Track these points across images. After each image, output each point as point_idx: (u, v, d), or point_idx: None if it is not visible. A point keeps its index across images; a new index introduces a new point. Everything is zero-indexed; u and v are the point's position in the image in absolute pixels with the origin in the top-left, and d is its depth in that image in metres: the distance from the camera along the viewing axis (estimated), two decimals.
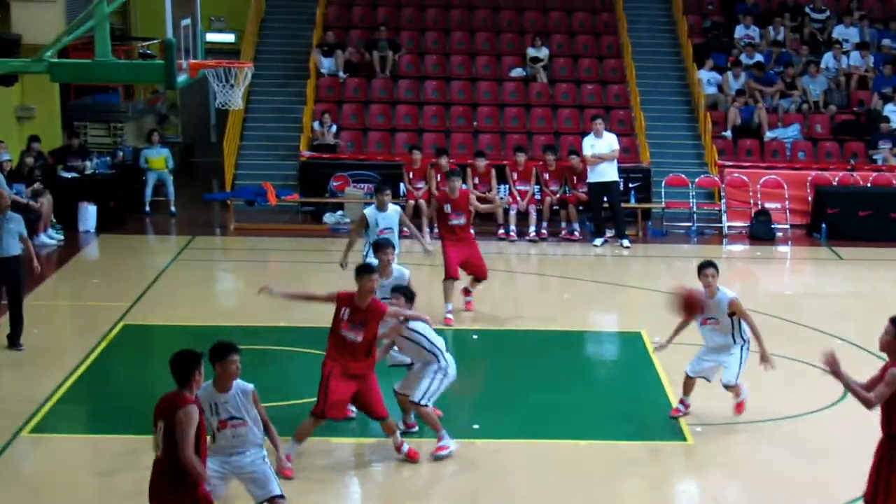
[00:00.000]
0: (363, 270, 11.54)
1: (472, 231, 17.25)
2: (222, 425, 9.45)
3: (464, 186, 17.97)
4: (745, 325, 12.62)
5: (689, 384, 13.00)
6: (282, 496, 9.59)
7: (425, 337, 11.79)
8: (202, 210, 24.50)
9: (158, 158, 24.22)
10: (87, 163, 23.34)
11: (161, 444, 8.61)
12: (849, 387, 9.42)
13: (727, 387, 12.83)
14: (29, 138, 22.83)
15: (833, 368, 9.16)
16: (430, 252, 16.69)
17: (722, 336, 12.72)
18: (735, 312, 12.55)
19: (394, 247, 13.35)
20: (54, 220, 21.35)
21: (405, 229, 16.36)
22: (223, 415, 9.45)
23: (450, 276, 16.50)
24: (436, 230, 17.50)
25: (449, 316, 16.31)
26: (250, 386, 9.49)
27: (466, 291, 17.11)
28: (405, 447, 11.75)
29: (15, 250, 15.08)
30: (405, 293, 11.96)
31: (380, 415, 11.58)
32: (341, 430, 12.30)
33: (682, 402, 13.06)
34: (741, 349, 12.76)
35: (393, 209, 15.41)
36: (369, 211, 15.39)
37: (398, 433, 11.80)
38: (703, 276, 12.55)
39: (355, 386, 11.45)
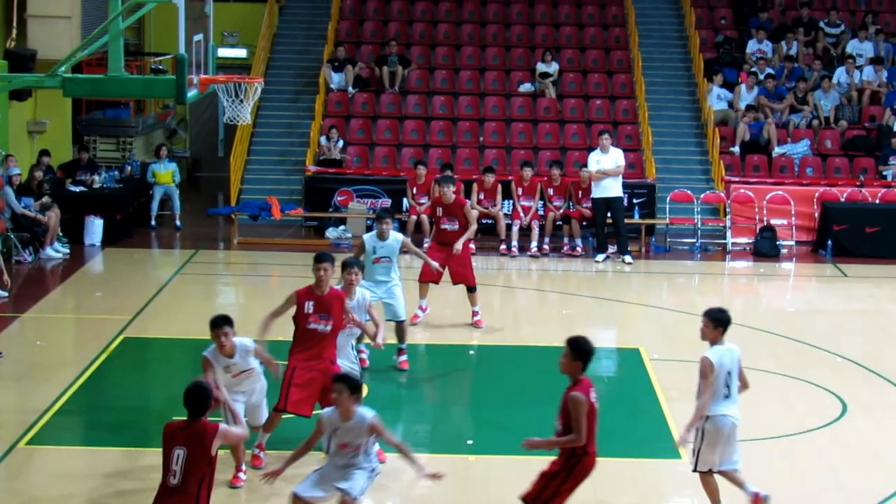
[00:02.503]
0: (316, 260, 11.78)
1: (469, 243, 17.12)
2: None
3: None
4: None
5: None
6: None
7: None
8: (207, 224, 24.63)
9: (166, 173, 24.36)
10: (96, 177, 23.48)
11: (179, 473, 8.70)
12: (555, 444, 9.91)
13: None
14: (39, 152, 22.99)
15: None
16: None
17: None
18: None
19: (360, 266, 13.02)
20: (61, 234, 21.47)
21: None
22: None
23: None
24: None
25: (417, 312, 16.69)
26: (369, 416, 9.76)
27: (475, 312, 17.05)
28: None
29: None
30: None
31: None
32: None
33: None
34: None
35: (394, 238, 14.94)
36: (368, 237, 15.03)
37: None
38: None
39: (320, 383, 11.59)
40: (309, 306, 11.64)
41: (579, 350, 9.76)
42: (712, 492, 10.64)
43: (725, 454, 10.46)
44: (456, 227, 16.72)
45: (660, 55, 28.17)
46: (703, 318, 10.48)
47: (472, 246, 17.45)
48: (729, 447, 10.44)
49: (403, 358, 14.99)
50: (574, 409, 9.67)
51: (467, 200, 17.66)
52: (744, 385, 10.57)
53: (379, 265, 14.79)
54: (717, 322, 10.39)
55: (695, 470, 10.55)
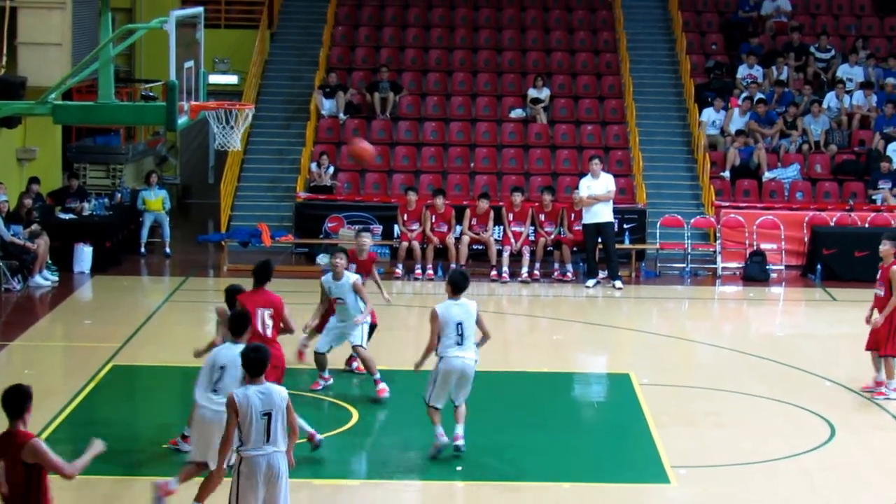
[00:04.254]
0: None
1: None
2: None
3: (373, 250, 16.68)
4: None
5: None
6: None
7: None
8: (197, 251, 24.56)
9: (156, 200, 24.31)
10: (85, 204, 23.42)
11: (4, 482, 8.55)
12: None
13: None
14: (29, 180, 22.98)
15: None
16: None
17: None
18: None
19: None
20: (49, 262, 21.42)
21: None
22: None
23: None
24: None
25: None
26: None
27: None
28: None
29: None
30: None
31: None
32: (323, 471, 12.30)
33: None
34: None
35: (346, 279, 14.62)
36: (325, 278, 14.77)
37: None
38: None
39: None
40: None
41: None
42: (436, 420, 12.68)
43: (459, 391, 12.66)
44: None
45: (651, 80, 28.22)
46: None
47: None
48: (461, 387, 12.63)
49: (381, 387, 14.76)
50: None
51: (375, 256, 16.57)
52: (484, 336, 12.75)
53: (337, 306, 14.65)
54: (449, 284, 12.67)
55: (427, 402, 12.65)
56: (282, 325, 12.73)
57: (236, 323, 11.09)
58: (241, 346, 10.46)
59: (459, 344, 12.46)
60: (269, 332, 12.46)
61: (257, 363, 9.50)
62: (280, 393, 9.51)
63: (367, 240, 16.06)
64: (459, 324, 12.45)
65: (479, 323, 12.59)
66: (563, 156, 26.08)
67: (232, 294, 12.81)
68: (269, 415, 9.38)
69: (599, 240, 21.94)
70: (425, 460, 12.91)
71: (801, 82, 27.39)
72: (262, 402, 9.39)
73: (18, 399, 8.67)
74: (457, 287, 12.60)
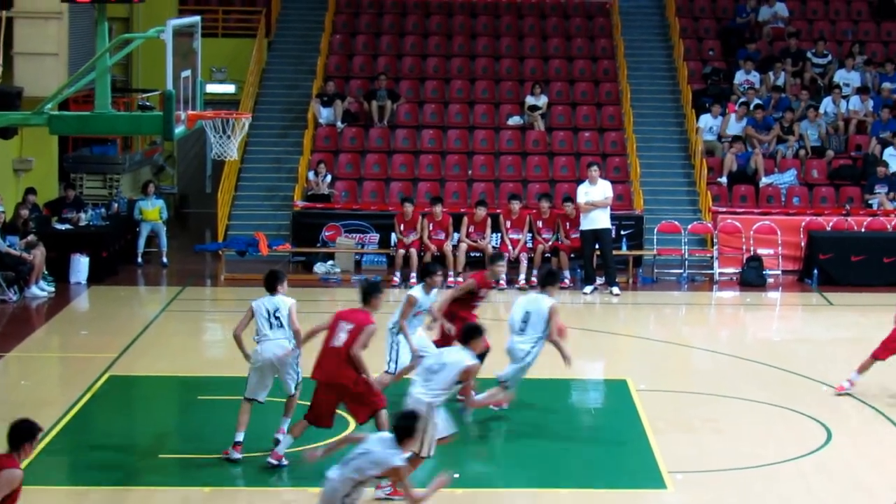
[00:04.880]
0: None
1: None
2: None
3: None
4: None
5: None
6: None
7: None
8: (194, 261, 24.55)
9: (153, 210, 24.31)
10: (82, 214, 23.42)
11: None
12: None
13: None
14: (25, 190, 22.97)
15: None
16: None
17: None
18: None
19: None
20: (46, 272, 21.40)
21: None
22: None
23: None
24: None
25: None
26: None
27: None
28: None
29: None
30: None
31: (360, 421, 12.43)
32: (320, 478, 12.27)
33: None
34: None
35: (434, 294, 14.26)
36: (419, 293, 14.15)
37: None
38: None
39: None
40: None
41: None
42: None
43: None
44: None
45: (648, 87, 28.25)
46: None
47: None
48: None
49: None
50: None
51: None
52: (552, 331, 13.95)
53: (418, 318, 14.30)
54: (541, 279, 14.27)
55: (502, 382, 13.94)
56: (358, 342, 12.13)
57: (465, 335, 12.06)
58: (469, 352, 11.86)
59: (522, 331, 13.93)
60: (338, 343, 12.19)
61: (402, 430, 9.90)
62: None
63: (502, 268, 15.98)
64: (528, 312, 13.83)
65: (549, 319, 13.78)
66: (561, 163, 26.09)
67: (269, 278, 13.24)
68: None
69: (597, 246, 21.95)
70: (422, 466, 12.89)
71: (798, 88, 27.41)
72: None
73: (17, 432, 9.20)
74: (542, 281, 14.14)
